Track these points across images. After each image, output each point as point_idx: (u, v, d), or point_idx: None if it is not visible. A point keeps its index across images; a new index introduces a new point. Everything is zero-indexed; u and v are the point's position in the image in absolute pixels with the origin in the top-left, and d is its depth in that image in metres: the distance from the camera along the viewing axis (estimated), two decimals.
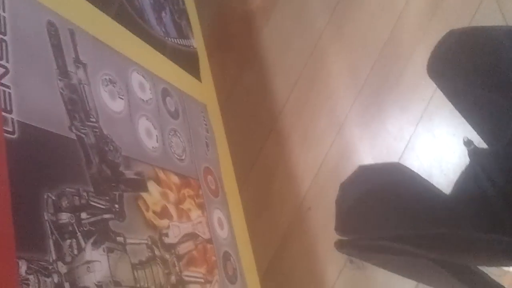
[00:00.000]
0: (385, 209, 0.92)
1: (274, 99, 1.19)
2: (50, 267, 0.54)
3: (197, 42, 1.12)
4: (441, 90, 0.96)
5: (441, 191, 0.99)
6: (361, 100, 1.13)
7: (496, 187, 0.83)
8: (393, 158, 1.07)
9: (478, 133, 0.89)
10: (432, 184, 1.00)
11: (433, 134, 1.05)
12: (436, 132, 1.05)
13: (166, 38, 0.99)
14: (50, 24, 0.68)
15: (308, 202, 1.12)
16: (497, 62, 0.86)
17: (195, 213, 0.86)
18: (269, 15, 1.23)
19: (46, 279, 0.53)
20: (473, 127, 0.90)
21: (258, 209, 1.15)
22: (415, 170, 1.06)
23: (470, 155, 0.90)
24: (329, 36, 1.17)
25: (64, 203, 0.60)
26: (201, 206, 0.89)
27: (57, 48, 0.68)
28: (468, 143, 0.90)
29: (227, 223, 0.97)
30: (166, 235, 0.76)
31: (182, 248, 0.79)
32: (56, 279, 0.54)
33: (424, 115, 1.06)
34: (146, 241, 0.71)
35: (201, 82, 1.07)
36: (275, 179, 1.16)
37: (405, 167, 1.02)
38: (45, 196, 0.57)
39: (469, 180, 0.93)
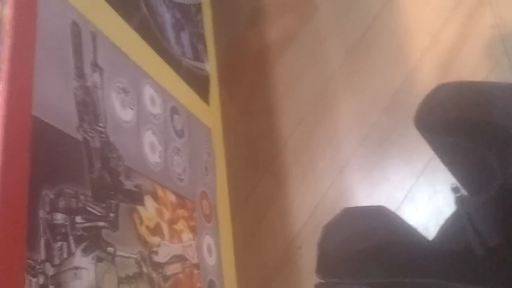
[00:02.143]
0: (368, 254, 0.91)
1: (278, 133, 1.19)
2: (38, 267, 0.52)
3: (210, 66, 1.12)
4: (427, 141, 0.97)
5: (424, 237, 0.98)
6: (365, 146, 1.12)
7: (481, 238, 0.82)
8: (391, 206, 1.06)
9: (463, 186, 0.89)
10: (416, 230, 1.00)
11: (434, 189, 1.04)
12: (438, 187, 1.04)
13: (182, 57, 0.99)
14: (75, 24, 0.68)
15: (299, 240, 1.10)
16: (485, 117, 0.87)
17: (187, 236, 0.85)
18: (284, 51, 1.24)
19: (32, 278, 0.51)
20: (457, 180, 0.91)
21: (248, 241, 1.13)
22: (412, 222, 1.06)
23: (457, 202, 0.90)
24: (340, 78, 1.18)
25: (61, 203, 0.58)
26: (193, 230, 0.87)
27: (78, 49, 0.67)
28: (455, 189, 0.90)
29: (216, 251, 0.95)
30: (156, 253, 0.74)
31: (170, 269, 0.77)
32: (41, 280, 0.52)
33: (427, 168, 1.05)
34: (135, 256, 0.69)
35: (209, 106, 1.07)
36: (269, 213, 1.15)
37: (390, 211, 1.01)
38: (43, 193, 0.55)
39: (454, 228, 0.93)
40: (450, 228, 0.94)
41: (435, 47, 1.16)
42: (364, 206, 1.09)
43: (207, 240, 0.92)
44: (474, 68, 1.12)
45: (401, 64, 1.17)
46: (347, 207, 1.05)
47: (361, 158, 1.14)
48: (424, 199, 1.06)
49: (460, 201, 0.89)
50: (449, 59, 1.14)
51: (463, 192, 0.89)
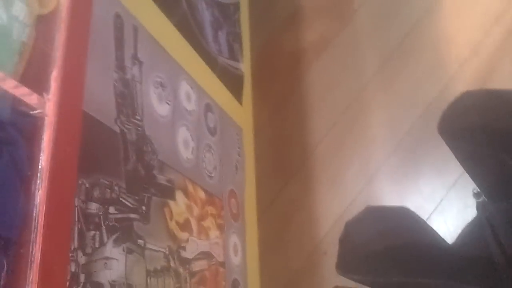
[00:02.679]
0: (388, 253, 0.90)
1: (309, 137, 1.18)
2: (70, 254, 0.53)
3: (245, 66, 1.12)
4: (449, 147, 0.95)
5: (445, 240, 0.96)
6: (397, 155, 1.11)
7: (501, 245, 0.81)
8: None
9: (485, 192, 0.88)
10: (437, 233, 0.98)
11: (465, 202, 1.02)
12: (468, 201, 1.02)
13: (218, 56, 0.99)
14: (118, 16, 0.68)
15: (324, 246, 1.09)
16: (506, 124, 0.86)
17: (214, 233, 0.85)
18: (320, 54, 1.23)
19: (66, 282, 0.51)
20: (479, 186, 0.90)
21: (273, 243, 1.12)
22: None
23: (478, 207, 0.89)
24: (375, 85, 1.17)
25: (96, 193, 0.59)
26: (220, 227, 0.87)
27: (119, 41, 0.68)
28: (477, 195, 0.89)
29: (241, 250, 0.95)
30: (184, 248, 0.74)
31: (196, 266, 0.77)
32: (73, 268, 0.52)
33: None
34: (164, 250, 0.69)
35: (241, 105, 1.07)
36: (296, 216, 1.14)
37: (413, 212, 1.00)
38: (80, 182, 0.56)
39: (474, 233, 0.91)
40: (471, 232, 0.93)
41: (473, 59, 1.14)
42: (387, 206, 1.08)
43: (234, 239, 0.92)
44: (511, 83, 1.10)
45: (438, 74, 1.15)
46: (370, 205, 1.04)
47: (392, 167, 1.12)
48: (453, 212, 1.04)
49: (481, 206, 0.88)
50: (487, 73, 1.12)
51: (485, 198, 0.88)
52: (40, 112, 0.46)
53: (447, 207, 1.05)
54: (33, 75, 0.47)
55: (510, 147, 0.84)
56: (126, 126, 0.66)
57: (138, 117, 0.69)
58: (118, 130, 0.64)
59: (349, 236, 0.98)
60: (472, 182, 0.99)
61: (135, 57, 0.71)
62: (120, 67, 0.67)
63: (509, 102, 0.94)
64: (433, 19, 1.18)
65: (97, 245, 0.57)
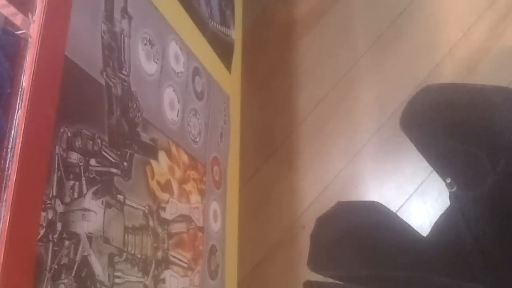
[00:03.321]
0: (360, 248, 0.91)
1: (296, 110, 1.17)
2: (48, 201, 0.51)
3: (236, 34, 1.11)
4: (413, 142, 0.96)
5: (418, 233, 0.97)
6: (382, 134, 1.11)
7: (473, 234, 0.83)
8: (400, 199, 1.05)
9: (456, 182, 0.89)
10: (410, 226, 0.99)
11: (445, 186, 1.03)
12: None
13: (210, 20, 0.98)
14: None
15: (304, 220, 1.10)
16: (472, 118, 0.87)
17: (195, 198, 0.84)
18: (311, 27, 1.22)
19: (42, 212, 0.50)
20: (450, 176, 0.91)
21: (253, 213, 1.12)
22: (419, 217, 1.05)
23: (451, 197, 0.90)
24: (366, 62, 1.16)
25: (78, 143, 0.57)
26: (201, 192, 0.87)
27: None
28: (450, 184, 0.90)
29: (221, 217, 0.94)
30: (164, 209, 0.74)
31: (175, 228, 0.77)
32: (50, 215, 0.51)
33: None
34: (143, 208, 0.69)
35: (230, 73, 1.05)
36: (277, 188, 1.14)
37: (384, 207, 1.01)
38: (62, 130, 0.54)
39: (447, 223, 0.93)
40: (444, 223, 0.94)
41: (464, 43, 1.14)
42: (358, 201, 1.08)
43: (214, 205, 0.92)
44: (500, 69, 1.10)
45: (428, 56, 1.15)
46: (341, 201, 1.04)
47: (376, 146, 1.12)
48: (433, 195, 1.05)
49: (453, 196, 0.89)
50: (477, 57, 1.12)
51: (457, 188, 0.89)
52: (24, 33, 0.45)
53: (427, 190, 1.06)
54: None
55: (476, 139, 0.85)
56: (112, 79, 0.65)
57: (124, 72, 0.68)
58: (103, 83, 0.63)
59: (320, 232, 0.99)
60: (441, 177, 1.00)
61: (125, 10, 0.69)
62: (109, 18, 0.65)
63: (468, 94, 0.95)
64: (426, 1, 1.17)
65: (76, 195, 0.56)
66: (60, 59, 0.52)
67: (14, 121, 0.42)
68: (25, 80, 0.44)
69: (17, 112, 0.42)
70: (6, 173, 0.42)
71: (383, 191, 1.08)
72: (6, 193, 0.41)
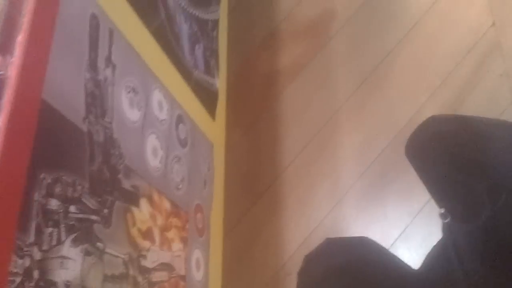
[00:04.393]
0: (350, 285, 0.90)
1: (280, 157, 1.18)
2: (25, 248, 0.51)
3: (220, 83, 1.13)
4: (415, 169, 0.97)
5: (409, 266, 0.97)
6: (365, 180, 1.12)
7: (465, 268, 0.82)
8: (385, 244, 1.05)
9: (451, 213, 0.89)
10: (401, 260, 0.98)
11: (429, 230, 1.03)
12: (433, 229, 1.03)
13: (194, 69, 0.99)
14: (94, 17, 0.68)
15: (289, 268, 1.08)
16: (476, 152, 0.88)
17: (177, 246, 0.83)
18: (294, 77, 1.25)
19: (18, 259, 0.49)
20: (445, 207, 0.91)
21: (237, 262, 1.11)
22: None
23: (444, 229, 0.89)
24: (347, 110, 1.18)
25: (58, 189, 0.57)
26: (184, 240, 0.86)
27: (94, 41, 0.67)
28: (444, 215, 0.90)
29: (204, 266, 0.93)
30: (144, 257, 0.73)
31: (156, 276, 0.75)
32: (27, 263, 0.51)
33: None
34: (123, 257, 0.68)
35: (214, 121, 1.06)
36: (262, 236, 1.13)
37: (373, 241, 1.00)
38: (41, 176, 0.54)
39: (439, 256, 0.92)
40: (436, 255, 0.93)
41: (443, 89, 1.17)
42: (346, 237, 1.08)
43: (197, 254, 0.91)
44: (481, 114, 1.12)
45: (408, 102, 1.18)
46: (329, 238, 1.04)
47: (360, 192, 1.13)
48: (418, 239, 1.05)
49: (447, 228, 0.89)
50: (457, 103, 1.15)
51: (450, 219, 0.89)
52: (2, 74, 0.46)
53: (411, 234, 1.06)
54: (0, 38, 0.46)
55: (478, 173, 0.86)
56: (94, 126, 0.65)
57: (107, 119, 0.68)
58: (85, 130, 0.63)
59: (308, 270, 0.98)
60: (437, 210, 1.01)
61: (108, 59, 0.70)
62: (93, 67, 0.67)
63: (473, 128, 0.96)
64: (407, 48, 1.21)
65: (54, 242, 0.55)
66: (36, 102, 0.52)
67: None
68: (1, 119, 0.44)
69: None
70: None
71: (368, 236, 1.08)
72: None
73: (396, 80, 1.20)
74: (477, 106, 1.12)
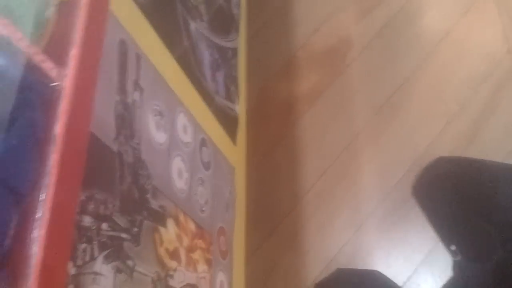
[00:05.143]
0: None
1: (300, 183, 1.19)
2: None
3: (240, 109, 1.15)
4: (422, 209, 0.97)
5: None
6: (386, 205, 1.12)
7: None
8: (408, 269, 1.04)
9: (461, 252, 0.88)
10: None
11: (449, 253, 1.02)
12: None
13: (215, 94, 1.02)
14: (122, 42, 0.71)
15: None
16: (485, 192, 0.88)
17: (202, 267, 0.83)
18: (312, 104, 1.26)
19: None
20: (455, 245, 0.90)
21: (259, 286, 1.10)
22: (428, 286, 1.03)
23: (454, 268, 0.89)
24: (366, 135, 1.19)
25: (91, 207, 0.58)
26: (208, 262, 0.86)
27: (122, 66, 0.70)
28: (455, 252, 0.89)
29: None
30: (172, 277, 0.73)
31: None
32: None
33: None
34: (152, 275, 0.68)
35: (235, 145, 1.08)
36: (284, 261, 1.13)
37: (383, 275, 1.00)
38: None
39: None
40: None
41: (462, 115, 1.18)
42: (357, 269, 1.07)
43: (221, 276, 0.91)
44: (499, 141, 1.13)
45: (427, 128, 1.19)
46: (340, 268, 1.03)
47: (381, 217, 1.13)
48: (441, 264, 1.04)
49: (458, 266, 0.88)
50: (475, 129, 1.16)
51: (461, 257, 0.88)
52: (58, 85, 0.49)
53: (435, 259, 1.05)
54: (54, 51, 0.49)
55: (485, 212, 0.86)
56: (124, 147, 0.67)
57: (136, 141, 0.70)
58: (116, 150, 0.65)
59: None
60: (444, 245, 1.00)
61: (137, 83, 0.73)
62: (122, 90, 0.69)
63: (481, 169, 0.97)
64: (424, 75, 1.22)
65: (87, 258, 0.56)
66: (88, 111, 0.55)
67: (48, 164, 0.44)
68: (58, 127, 0.48)
69: (51, 155, 0.44)
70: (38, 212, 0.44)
71: (390, 262, 1.07)
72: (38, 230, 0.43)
73: (413, 106, 1.22)
74: (496, 132, 1.13)
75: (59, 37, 0.50)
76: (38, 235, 0.42)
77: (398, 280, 1.05)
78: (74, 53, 0.51)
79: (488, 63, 1.21)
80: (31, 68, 0.46)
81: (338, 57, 1.30)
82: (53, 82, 0.49)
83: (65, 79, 0.49)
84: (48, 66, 0.47)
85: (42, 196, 0.43)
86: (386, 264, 1.07)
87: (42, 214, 0.43)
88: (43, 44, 0.49)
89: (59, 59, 0.50)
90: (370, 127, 1.22)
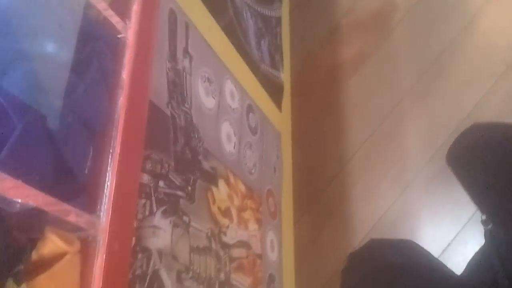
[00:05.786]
0: (392, 287, 0.90)
1: (345, 147, 1.21)
2: None
3: (285, 76, 1.17)
4: (458, 178, 0.96)
5: (453, 272, 0.96)
6: (432, 166, 1.13)
7: (508, 275, 0.81)
8: (454, 228, 1.05)
9: (494, 220, 0.88)
10: (444, 265, 0.97)
11: (481, 222, 1.03)
12: None
13: (261, 62, 1.04)
14: (172, 11, 0.74)
15: None
16: None
17: (253, 226, 0.88)
18: (357, 68, 1.27)
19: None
20: (488, 214, 0.90)
21: (309, 245, 1.14)
22: (472, 244, 1.04)
23: (486, 235, 0.88)
24: (411, 99, 1.20)
25: (148, 166, 0.63)
26: (258, 222, 0.90)
27: (173, 34, 0.74)
28: (485, 222, 0.89)
29: (278, 247, 0.97)
30: (225, 233, 0.78)
31: (235, 252, 0.80)
32: None
33: None
34: (206, 231, 0.73)
35: (281, 112, 1.11)
36: (331, 222, 1.16)
37: (418, 245, 1.00)
38: None
39: (482, 263, 0.91)
40: (478, 262, 0.92)
41: (509, 75, 1.16)
42: (391, 239, 1.08)
43: (271, 235, 0.95)
44: None
45: (473, 89, 1.18)
46: (374, 238, 1.04)
47: (428, 177, 1.14)
48: None
49: (489, 235, 0.87)
50: None
51: (493, 225, 0.88)
52: (123, 36, 0.55)
53: None
54: (119, 7, 0.56)
55: None
56: (176, 111, 0.71)
57: (187, 105, 0.74)
58: (169, 114, 0.69)
59: (351, 270, 0.99)
60: (480, 212, 1.00)
61: (186, 51, 0.76)
62: (173, 57, 0.73)
63: None
64: (470, 36, 1.21)
65: (147, 213, 0.61)
66: (150, 60, 0.61)
67: (117, 105, 0.50)
68: (125, 73, 0.53)
69: (119, 98, 0.49)
70: (111, 146, 0.50)
71: (437, 222, 1.08)
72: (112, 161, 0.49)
73: (459, 68, 1.21)
74: None
75: None
76: (111, 166, 0.48)
77: (446, 238, 1.07)
78: (135, 9, 0.56)
79: None
80: (101, 21, 0.51)
81: (383, 21, 1.30)
82: (119, 34, 0.55)
83: (129, 32, 0.54)
84: (115, 19, 0.53)
85: (114, 132, 0.49)
86: (434, 223, 1.09)
87: (113, 148, 0.48)
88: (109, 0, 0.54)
89: (124, 13, 0.56)
90: (415, 90, 1.22)
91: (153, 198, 0.63)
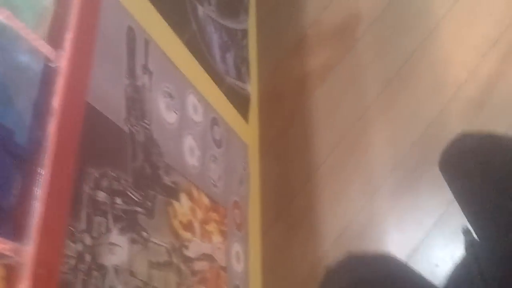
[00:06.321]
0: None
1: (313, 156, 1.22)
2: (78, 234, 0.57)
3: (252, 88, 1.19)
4: (448, 184, 0.98)
5: (431, 283, 0.96)
6: (397, 173, 1.15)
7: (487, 285, 0.81)
8: (420, 234, 1.07)
9: (476, 230, 0.89)
10: (424, 278, 0.98)
11: (464, 218, 1.05)
12: None
13: (226, 75, 1.06)
14: (130, 29, 0.75)
15: (327, 261, 1.12)
16: (508, 170, 0.88)
17: (217, 238, 0.88)
18: (323, 79, 1.29)
19: (71, 243, 0.56)
20: (471, 223, 0.91)
21: (276, 256, 1.15)
22: (439, 250, 1.06)
23: (466, 246, 0.89)
24: (378, 107, 1.22)
25: (105, 183, 0.63)
26: (223, 234, 0.91)
27: (131, 51, 0.74)
28: (467, 232, 0.90)
29: (244, 259, 0.98)
30: (186, 247, 0.78)
31: (198, 265, 0.81)
32: (80, 247, 0.57)
33: None
34: (166, 245, 0.74)
35: (247, 124, 1.12)
36: (299, 232, 1.17)
37: (396, 259, 1.01)
38: (89, 171, 0.61)
39: (462, 274, 0.92)
40: (459, 273, 0.93)
41: (471, 82, 1.19)
42: (368, 253, 1.09)
43: (236, 247, 0.96)
44: (509, 105, 1.14)
45: (436, 97, 1.20)
46: (351, 252, 1.05)
47: (392, 186, 1.15)
48: (452, 226, 1.07)
49: (470, 245, 0.88)
50: (485, 95, 1.16)
51: (474, 236, 0.89)
52: (55, 65, 0.56)
53: (446, 223, 1.07)
54: (52, 35, 0.56)
55: (508, 189, 0.86)
56: (135, 127, 0.72)
57: (146, 121, 0.75)
58: (127, 130, 0.70)
59: (328, 282, 1.00)
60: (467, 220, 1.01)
61: (145, 67, 0.77)
62: (131, 74, 0.73)
63: (505, 146, 0.97)
64: (432, 45, 1.23)
65: (103, 230, 0.62)
66: (84, 86, 0.61)
67: (47, 132, 0.50)
68: (56, 101, 0.54)
69: (49, 125, 0.50)
70: (39, 174, 0.50)
71: (402, 228, 1.10)
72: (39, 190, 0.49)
73: (423, 76, 1.23)
74: (505, 97, 1.13)
75: (57, 23, 0.56)
76: (39, 193, 0.49)
77: (411, 243, 1.09)
78: (68, 37, 0.57)
79: (497, 28, 1.21)
80: (32, 51, 0.52)
81: (347, 32, 1.32)
82: (52, 63, 0.55)
83: (61, 60, 0.55)
84: (46, 49, 0.53)
85: (43, 159, 0.49)
86: (399, 229, 1.10)
87: (43, 174, 0.49)
88: (42, 30, 0.55)
89: (57, 41, 0.56)
90: (380, 99, 1.24)
91: (110, 216, 0.63)
